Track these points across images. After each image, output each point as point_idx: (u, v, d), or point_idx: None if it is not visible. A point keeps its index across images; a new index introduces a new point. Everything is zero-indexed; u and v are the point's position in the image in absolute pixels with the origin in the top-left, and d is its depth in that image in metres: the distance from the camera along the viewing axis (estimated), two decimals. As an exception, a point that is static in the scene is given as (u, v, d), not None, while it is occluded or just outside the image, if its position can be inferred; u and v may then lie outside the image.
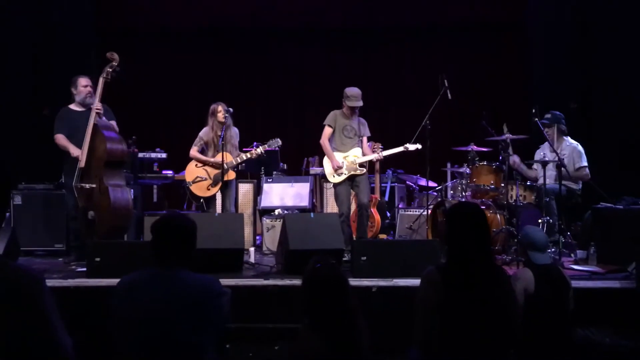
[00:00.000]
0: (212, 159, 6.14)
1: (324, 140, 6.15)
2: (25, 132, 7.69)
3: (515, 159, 6.22)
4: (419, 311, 2.75)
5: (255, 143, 7.07)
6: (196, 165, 6.20)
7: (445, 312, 2.65)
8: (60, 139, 5.68)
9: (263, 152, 6.20)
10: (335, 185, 6.13)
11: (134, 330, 2.55)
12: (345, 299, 2.64)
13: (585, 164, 6.17)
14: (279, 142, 6.23)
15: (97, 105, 5.53)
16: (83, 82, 5.78)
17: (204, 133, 6.25)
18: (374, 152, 6.29)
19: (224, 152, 5.90)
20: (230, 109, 6.10)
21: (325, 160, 6.17)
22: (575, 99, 7.66)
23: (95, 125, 5.46)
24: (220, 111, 6.12)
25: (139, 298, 2.57)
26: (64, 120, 5.75)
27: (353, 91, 6.08)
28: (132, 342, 2.56)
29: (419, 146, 6.16)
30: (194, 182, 6.15)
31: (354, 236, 6.07)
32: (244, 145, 6.66)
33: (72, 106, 5.83)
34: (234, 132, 6.28)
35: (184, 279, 2.61)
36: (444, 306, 2.66)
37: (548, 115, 6.24)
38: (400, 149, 6.20)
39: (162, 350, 2.51)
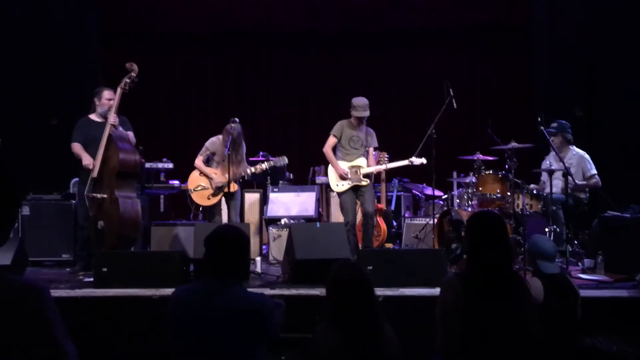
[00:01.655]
0: (213, 173, 6.13)
1: (327, 149, 6.18)
2: (31, 142, 7.72)
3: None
4: (441, 318, 2.78)
5: (261, 153, 7.09)
6: (200, 173, 6.23)
7: (466, 319, 2.68)
8: (76, 147, 5.70)
9: (268, 168, 6.22)
10: (340, 194, 6.14)
11: (186, 342, 2.58)
12: (368, 300, 2.65)
13: (595, 171, 6.16)
14: (286, 160, 6.25)
15: (112, 118, 5.54)
16: (107, 95, 5.76)
17: (211, 143, 6.26)
18: (379, 162, 6.31)
19: (229, 164, 5.92)
20: (236, 119, 6.10)
21: (330, 169, 6.20)
22: (580, 105, 7.65)
23: (110, 135, 5.48)
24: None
25: (193, 311, 2.60)
26: (83, 129, 5.77)
27: (360, 101, 6.10)
28: (184, 353, 2.59)
29: (423, 161, 6.19)
30: (195, 189, 6.19)
31: (360, 245, 6.07)
32: (249, 154, 6.68)
33: (92, 116, 5.84)
34: (243, 146, 6.27)
35: (237, 295, 2.63)
36: (464, 313, 2.68)
37: (554, 124, 6.22)
38: (405, 162, 6.23)
39: None
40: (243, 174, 6.10)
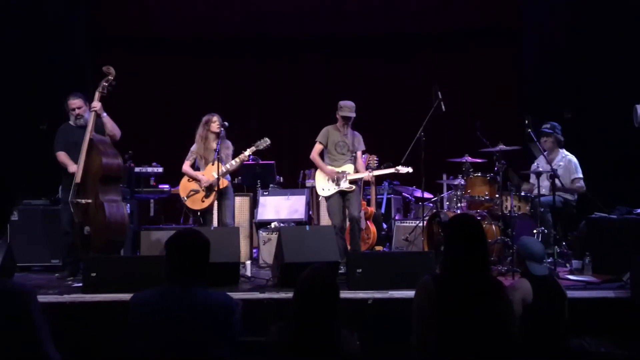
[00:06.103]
0: (201, 176, 6.09)
1: (314, 155, 6.22)
2: (21, 146, 7.69)
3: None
4: (415, 319, 2.78)
5: (250, 156, 7.07)
6: (188, 180, 6.19)
7: (440, 321, 2.68)
8: (61, 156, 5.70)
9: (251, 154, 6.18)
10: (327, 199, 6.16)
11: (151, 348, 2.55)
12: (332, 305, 2.63)
13: (581, 175, 6.23)
14: (268, 141, 6.17)
15: (94, 104, 5.53)
16: (69, 104, 5.76)
17: (196, 147, 6.23)
18: (368, 165, 6.33)
19: (218, 165, 5.91)
20: (226, 123, 6.11)
21: (317, 174, 6.21)
22: (568, 108, 7.71)
23: (91, 140, 5.47)
24: (215, 122, 6.10)
25: (156, 316, 2.57)
26: (63, 136, 5.77)
27: (346, 103, 6.15)
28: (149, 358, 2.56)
29: (409, 169, 6.19)
30: (188, 196, 6.15)
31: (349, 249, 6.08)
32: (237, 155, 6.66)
33: (71, 122, 5.84)
34: (227, 144, 6.25)
35: (200, 297, 2.62)
36: (439, 315, 2.68)
37: (547, 125, 6.30)
38: (392, 170, 6.23)
39: None
40: (230, 167, 6.04)
